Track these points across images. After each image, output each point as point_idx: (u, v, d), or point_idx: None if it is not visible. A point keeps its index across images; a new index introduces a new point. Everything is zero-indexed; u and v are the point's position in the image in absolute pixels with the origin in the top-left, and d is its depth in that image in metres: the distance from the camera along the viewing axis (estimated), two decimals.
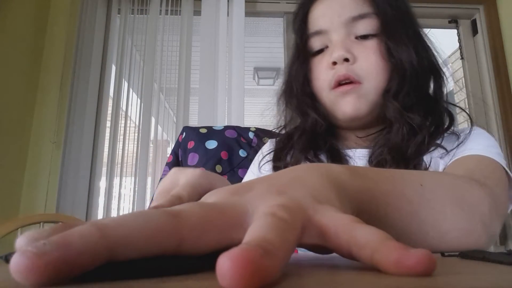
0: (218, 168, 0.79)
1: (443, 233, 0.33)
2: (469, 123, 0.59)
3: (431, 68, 0.58)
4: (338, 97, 0.56)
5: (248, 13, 1.78)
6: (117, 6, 1.82)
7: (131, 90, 1.76)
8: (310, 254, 0.23)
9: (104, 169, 1.67)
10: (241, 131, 0.85)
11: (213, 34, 1.74)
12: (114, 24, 1.81)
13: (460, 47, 1.92)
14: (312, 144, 0.59)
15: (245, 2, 1.77)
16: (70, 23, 1.72)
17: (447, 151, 0.53)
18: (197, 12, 1.79)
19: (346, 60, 0.55)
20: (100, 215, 1.62)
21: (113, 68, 1.78)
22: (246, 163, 0.76)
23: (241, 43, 1.74)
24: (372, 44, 0.55)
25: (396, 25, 0.56)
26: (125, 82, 1.76)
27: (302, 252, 0.56)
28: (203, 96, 1.69)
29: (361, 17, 0.56)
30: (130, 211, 1.63)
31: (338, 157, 0.58)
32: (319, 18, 0.59)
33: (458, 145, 0.53)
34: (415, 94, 0.54)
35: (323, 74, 0.58)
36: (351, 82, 0.55)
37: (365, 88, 0.55)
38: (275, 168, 0.60)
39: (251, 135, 0.80)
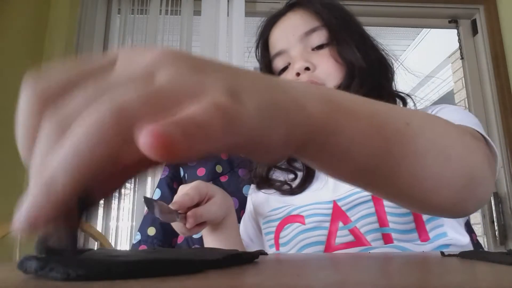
0: (218, 168, 0.79)
1: (419, 180, 0.31)
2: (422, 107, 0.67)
3: (379, 62, 0.66)
4: None
5: (248, 13, 1.78)
6: (117, 6, 1.81)
7: None
8: (311, 254, 0.23)
9: None
10: None
11: (213, 34, 1.74)
12: (114, 24, 1.81)
13: (460, 47, 1.91)
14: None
15: (245, 2, 1.77)
16: (70, 23, 1.72)
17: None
18: (197, 12, 1.79)
19: (307, 69, 0.62)
20: (99, 215, 1.61)
21: None
22: (246, 163, 0.76)
23: (241, 43, 1.74)
24: (325, 52, 0.63)
25: (342, 32, 0.63)
26: None
27: (304, 253, 0.56)
28: None
29: (312, 31, 0.64)
30: (130, 210, 1.63)
31: None
32: (277, 41, 0.67)
33: None
34: (364, 88, 0.60)
35: None
36: None
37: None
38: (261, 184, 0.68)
39: None
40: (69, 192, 0.16)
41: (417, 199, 0.33)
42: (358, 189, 0.56)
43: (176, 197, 0.51)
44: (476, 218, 1.90)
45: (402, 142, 0.30)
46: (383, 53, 0.68)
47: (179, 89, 0.17)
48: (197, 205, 0.52)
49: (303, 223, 0.57)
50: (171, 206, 0.49)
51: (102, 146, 0.16)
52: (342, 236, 0.54)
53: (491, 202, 1.71)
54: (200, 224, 0.53)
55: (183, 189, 0.52)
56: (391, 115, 0.31)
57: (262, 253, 0.37)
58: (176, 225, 0.52)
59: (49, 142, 0.17)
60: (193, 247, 0.73)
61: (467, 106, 1.88)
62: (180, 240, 0.76)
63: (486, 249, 1.16)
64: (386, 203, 0.54)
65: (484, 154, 0.39)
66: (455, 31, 1.93)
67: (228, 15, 1.77)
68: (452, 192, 0.33)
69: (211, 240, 0.59)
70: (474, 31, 1.89)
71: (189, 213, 0.50)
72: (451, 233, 0.53)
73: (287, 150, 0.23)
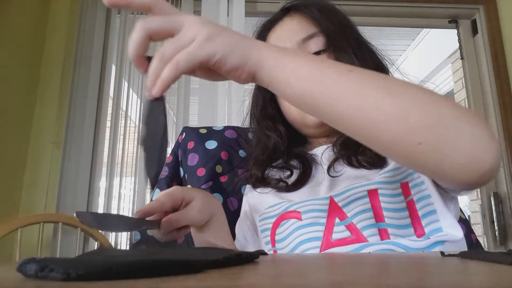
0: (218, 168, 0.79)
1: (357, 109, 0.38)
2: None
3: (376, 67, 0.65)
4: None
5: (248, 13, 1.78)
6: None
7: (131, 90, 1.76)
8: (311, 254, 0.23)
9: (104, 169, 1.67)
10: (241, 131, 0.85)
11: None
12: (114, 24, 1.81)
13: (460, 47, 1.91)
14: (272, 159, 0.68)
15: (245, 2, 1.77)
16: (70, 23, 1.72)
17: None
18: (197, 12, 1.79)
19: None
20: None
21: (113, 68, 1.78)
22: (246, 164, 0.76)
23: None
24: (323, 58, 0.62)
25: (339, 38, 0.63)
26: (125, 82, 1.76)
27: (301, 249, 0.56)
28: (203, 96, 1.69)
29: (310, 37, 0.63)
30: (130, 211, 1.63)
31: (306, 158, 0.66)
32: None
33: None
34: None
35: None
36: None
37: None
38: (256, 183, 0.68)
39: (250, 135, 0.80)
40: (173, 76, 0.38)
41: (367, 130, 0.39)
42: (354, 185, 0.56)
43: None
44: (476, 218, 1.90)
45: (338, 79, 0.39)
46: (379, 57, 0.68)
47: (194, 38, 0.38)
48: (176, 210, 0.52)
49: (300, 219, 0.57)
50: (135, 214, 0.48)
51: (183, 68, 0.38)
52: (339, 232, 0.54)
53: (491, 202, 1.71)
54: (180, 229, 0.52)
55: (158, 195, 0.53)
56: (337, 64, 0.41)
57: (262, 253, 0.37)
58: (154, 231, 0.52)
59: (159, 59, 0.38)
60: (193, 247, 0.73)
61: (467, 106, 1.88)
62: (180, 240, 0.76)
63: (486, 249, 1.16)
64: (382, 198, 0.54)
65: (459, 107, 0.38)
66: (455, 31, 1.93)
67: (228, 15, 1.77)
68: (404, 128, 0.37)
69: (199, 242, 0.59)
70: (474, 31, 1.90)
71: (163, 220, 0.49)
72: (446, 229, 0.53)
73: (243, 72, 0.40)
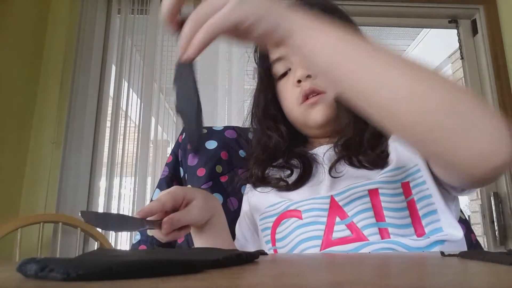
0: (218, 168, 0.79)
1: (378, 89, 0.39)
2: None
3: None
4: (308, 109, 0.64)
5: None
6: (117, 6, 1.81)
7: (131, 90, 1.76)
8: (310, 254, 0.23)
9: (104, 169, 1.67)
10: (241, 131, 0.85)
11: None
12: (114, 24, 1.81)
13: (460, 47, 1.91)
14: (273, 158, 0.68)
15: None
16: (70, 23, 1.72)
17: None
18: None
19: (309, 76, 0.63)
20: None
21: (113, 68, 1.78)
22: (246, 164, 0.76)
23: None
24: None
25: None
26: (125, 82, 1.76)
27: (301, 248, 0.57)
28: (203, 96, 1.67)
29: None
30: (130, 211, 1.63)
31: (306, 158, 0.66)
32: None
33: None
34: None
35: (290, 92, 0.66)
36: (317, 94, 0.63)
37: (329, 96, 0.63)
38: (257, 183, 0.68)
39: (250, 135, 0.80)
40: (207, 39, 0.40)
41: (386, 110, 0.39)
42: (355, 185, 0.56)
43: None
44: (476, 218, 1.90)
45: (363, 57, 0.40)
46: None
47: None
48: (176, 210, 0.52)
49: (300, 218, 0.57)
50: (136, 214, 0.48)
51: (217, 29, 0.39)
52: (339, 230, 0.54)
53: (491, 202, 1.71)
54: (180, 229, 0.52)
55: (159, 195, 0.53)
56: (364, 42, 0.41)
57: (262, 253, 0.37)
58: (154, 231, 0.52)
59: (192, 22, 0.40)
60: (193, 247, 0.73)
61: None
62: (180, 240, 0.76)
63: (486, 249, 1.16)
64: (382, 198, 0.54)
65: (478, 101, 0.38)
66: (455, 31, 1.93)
67: None
68: (422, 111, 0.37)
69: (199, 242, 0.59)
70: (474, 31, 1.89)
71: (164, 219, 0.49)
72: (446, 228, 0.53)
73: (273, 38, 0.41)
